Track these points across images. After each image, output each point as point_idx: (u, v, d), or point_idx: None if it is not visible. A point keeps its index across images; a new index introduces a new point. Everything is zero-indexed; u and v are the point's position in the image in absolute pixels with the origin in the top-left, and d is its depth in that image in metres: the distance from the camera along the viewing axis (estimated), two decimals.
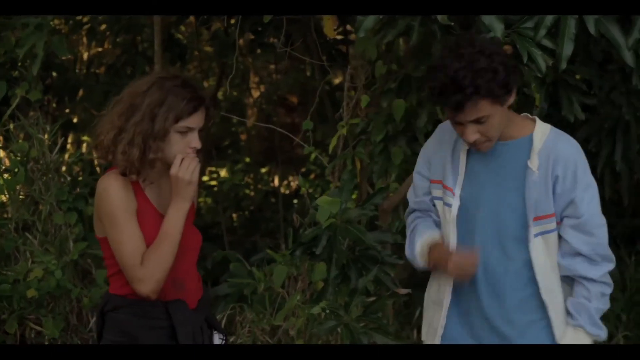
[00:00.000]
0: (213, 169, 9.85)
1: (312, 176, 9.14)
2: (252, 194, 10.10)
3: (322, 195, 4.70)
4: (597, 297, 3.26)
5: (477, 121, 3.10)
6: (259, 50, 8.05)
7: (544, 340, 3.29)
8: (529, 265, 3.26)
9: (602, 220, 3.27)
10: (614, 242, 4.09)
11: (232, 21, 6.72)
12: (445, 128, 3.44)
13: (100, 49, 8.42)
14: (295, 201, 9.35)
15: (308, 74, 8.65)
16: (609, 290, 3.29)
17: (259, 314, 5.07)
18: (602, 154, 5.34)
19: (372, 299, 4.64)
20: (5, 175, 5.58)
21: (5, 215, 5.68)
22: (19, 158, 5.56)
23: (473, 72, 3.01)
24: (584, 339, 3.26)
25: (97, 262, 5.62)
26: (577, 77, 4.76)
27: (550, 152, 3.21)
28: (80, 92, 7.53)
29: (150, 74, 3.38)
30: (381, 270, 4.58)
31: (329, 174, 5.66)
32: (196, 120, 3.21)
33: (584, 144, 4.38)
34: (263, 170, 10.39)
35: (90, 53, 8.46)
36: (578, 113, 4.53)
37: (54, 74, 7.10)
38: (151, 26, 6.33)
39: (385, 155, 5.33)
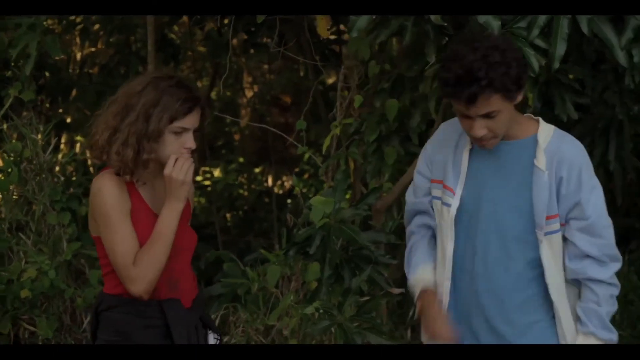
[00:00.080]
0: (207, 168, 9.85)
1: (305, 176, 9.15)
2: (246, 193, 10.10)
3: (315, 195, 4.70)
4: (607, 300, 3.25)
5: (487, 116, 3.08)
6: (252, 50, 8.04)
7: (546, 341, 3.28)
8: (532, 265, 3.24)
9: (608, 221, 3.26)
10: None
11: (226, 21, 6.72)
12: (447, 127, 3.43)
13: (93, 49, 8.41)
14: (288, 201, 9.36)
15: (301, 73, 8.66)
16: (617, 291, 3.28)
17: (252, 313, 5.07)
18: (595, 154, 5.35)
19: (365, 298, 4.65)
20: None
21: None
22: (12, 158, 5.55)
23: (488, 65, 3.01)
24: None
25: (91, 262, 5.62)
26: (570, 76, 4.76)
27: (555, 153, 3.20)
28: (74, 92, 7.52)
29: (146, 74, 3.38)
30: (375, 270, 4.58)
31: (323, 173, 5.66)
32: (191, 121, 3.20)
33: None
34: (257, 170, 10.39)
35: (84, 53, 8.45)
36: (571, 112, 4.54)
37: (47, 74, 7.10)
38: (144, 26, 6.33)
39: (378, 155, 5.33)
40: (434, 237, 3.46)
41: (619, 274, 3.33)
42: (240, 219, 9.63)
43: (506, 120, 3.14)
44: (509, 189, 3.24)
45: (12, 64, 5.95)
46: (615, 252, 3.28)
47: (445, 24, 4.02)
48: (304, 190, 7.95)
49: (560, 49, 3.80)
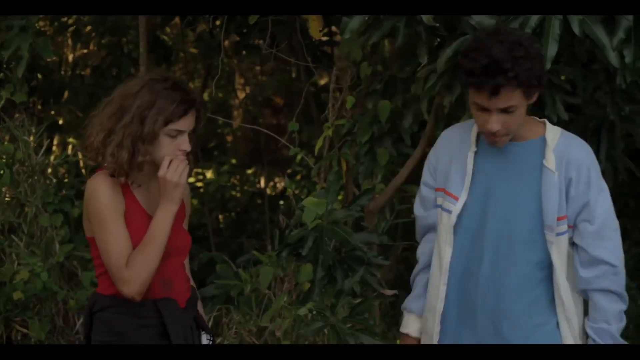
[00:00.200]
0: (199, 170, 9.84)
1: (298, 177, 9.14)
2: (238, 195, 10.09)
3: (308, 197, 4.70)
4: (616, 317, 3.24)
5: (506, 110, 3.08)
6: (244, 52, 8.04)
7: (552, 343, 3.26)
8: (540, 266, 3.23)
9: (616, 224, 3.26)
10: None
11: (218, 23, 6.72)
12: (447, 134, 3.43)
13: (85, 51, 8.41)
14: (281, 202, 9.35)
15: (293, 75, 8.66)
16: (625, 306, 3.26)
17: (245, 315, 5.06)
18: None
19: (358, 300, 4.64)
20: None
21: None
22: (4, 160, 5.55)
23: (513, 58, 3.01)
24: None
25: (83, 264, 5.61)
26: (562, 77, 4.77)
27: (563, 154, 3.20)
28: (66, 94, 7.52)
29: (142, 75, 3.38)
30: (367, 271, 4.58)
31: (315, 175, 5.66)
32: (186, 123, 3.20)
33: None
34: (249, 171, 10.39)
35: (76, 55, 8.45)
36: (561, 113, 4.54)
37: (39, 75, 7.09)
38: (136, 28, 6.32)
39: (371, 157, 5.33)
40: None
41: None
42: (233, 220, 9.64)
43: (520, 118, 3.13)
44: (517, 190, 3.23)
45: (4, 66, 5.94)
46: (622, 255, 3.25)
47: (437, 25, 4.02)
48: (297, 192, 7.94)
49: (552, 49, 3.80)
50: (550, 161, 3.19)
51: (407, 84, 5.01)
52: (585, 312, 3.32)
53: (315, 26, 5.16)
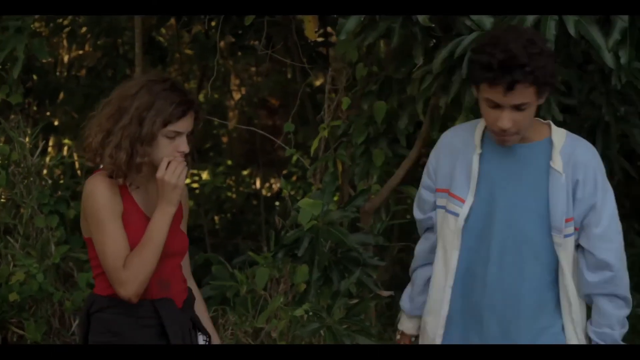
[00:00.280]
0: (195, 171, 9.82)
1: (293, 178, 9.13)
2: (234, 196, 10.08)
3: (303, 198, 4.70)
4: (620, 323, 3.25)
5: (518, 107, 3.07)
6: (239, 53, 8.03)
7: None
8: (547, 269, 3.23)
9: (619, 227, 3.25)
10: None
11: (213, 24, 6.71)
12: (450, 136, 3.42)
13: (80, 52, 8.39)
14: (277, 203, 9.35)
15: (289, 76, 8.65)
16: (629, 311, 3.26)
17: (241, 316, 5.06)
18: None
19: (354, 301, 4.64)
20: None
21: None
22: None
23: (529, 55, 3.01)
24: None
25: (79, 265, 5.61)
26: (558, 78, 4.77)
27: (570, 156, 3.19)
28: (61, 95, 7.50)
29: (140, 76, 3.38)
30: (363, 272, 4.58)
31: (311, 176, 5.66)
32: (184, 125, 3.20)
33: None
34: (245, 172, 10.38)
35: (71, 56, 8.44)
36: (556, 114, 4.53)
37: (35, 76, 7.08)
38: (132, 29, 6.32)
39: (366, 157, 5.33)
40: (432, 252, 3.46)
41: None
42: (229, 221, 9.62)
43: (530, 118, 3.13)
44: (524, 191, 3.23)
45: (0, 67, 5.94)
46: (625, 257, 3.26)
47: (433, 25, 4.02)
48: (292, 193, 7.93)
49: None
50: (557, 163, 3.18)
51: (402, 84, 5.00)
52: (588, 316, 3.32)
53: (310, 27, 5.16)
